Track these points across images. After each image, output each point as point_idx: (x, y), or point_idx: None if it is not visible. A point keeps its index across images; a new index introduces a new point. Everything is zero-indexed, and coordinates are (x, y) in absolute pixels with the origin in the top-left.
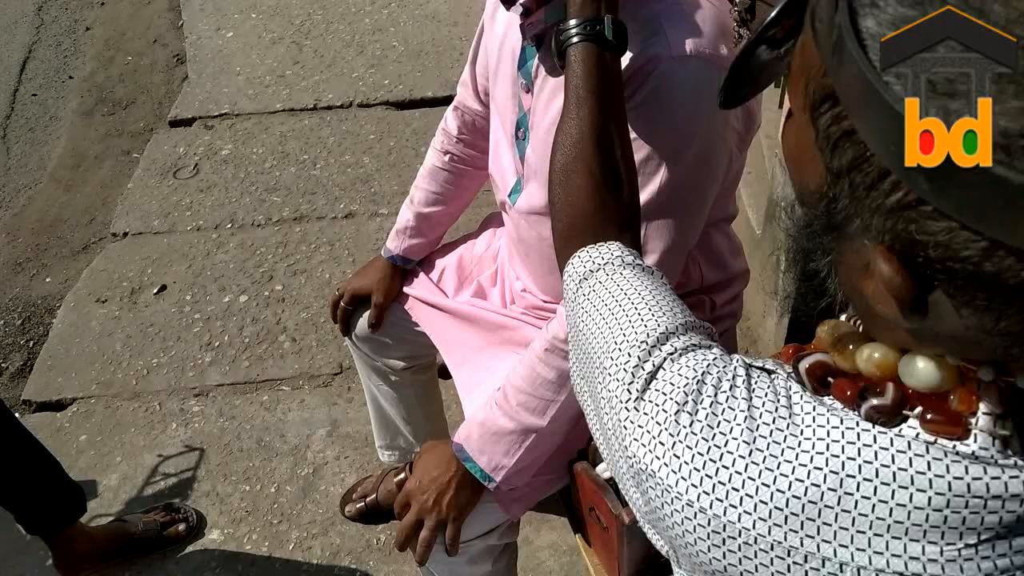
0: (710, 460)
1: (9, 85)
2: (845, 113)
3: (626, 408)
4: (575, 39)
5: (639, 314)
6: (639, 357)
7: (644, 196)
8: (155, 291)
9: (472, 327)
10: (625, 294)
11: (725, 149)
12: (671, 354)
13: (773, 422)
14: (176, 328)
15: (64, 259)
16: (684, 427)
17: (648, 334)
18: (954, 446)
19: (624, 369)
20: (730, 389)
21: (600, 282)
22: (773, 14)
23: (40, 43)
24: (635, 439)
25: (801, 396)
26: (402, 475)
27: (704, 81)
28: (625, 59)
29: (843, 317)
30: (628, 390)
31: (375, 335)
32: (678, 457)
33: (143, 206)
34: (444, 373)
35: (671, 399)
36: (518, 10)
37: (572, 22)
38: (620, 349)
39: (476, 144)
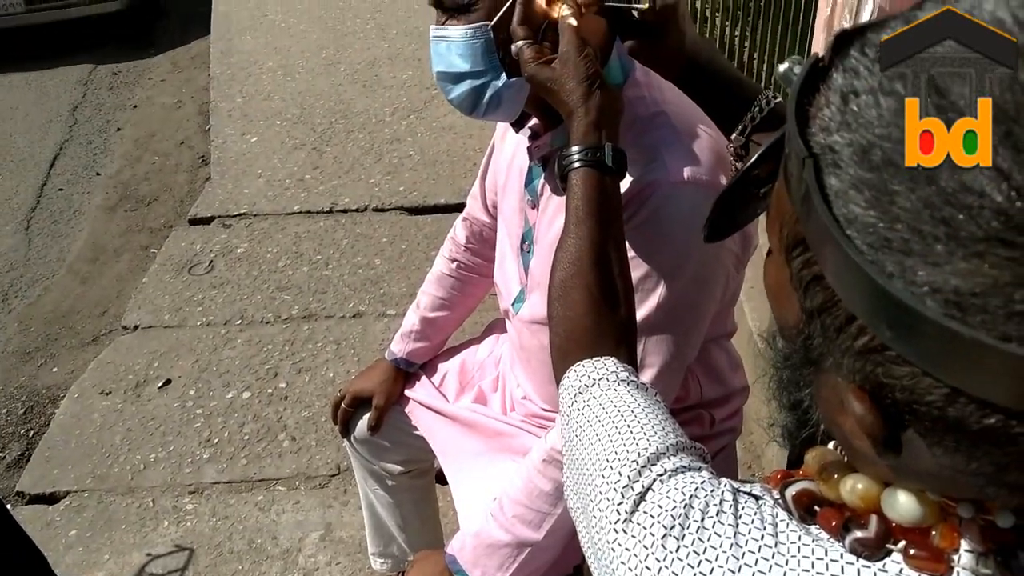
0: None
1: (37, 180)
2: (815, 259)
3: (614, 529)
4: (577, 164)
5: (631, 432)
6: (629, 477)
7: (642, 313)
8: (159, 385)
9: (471, 433)
10: (619, 411)
11: (722, 270)
12: (661, 475)
13: (759, 550)
14: (177, 423)
15: (73, 350)
16: (671, 552)
17: (639, 453)
18: None
19: (614, 488)
20: (717, 515)
21: (595, 397)
22: (754, 157)
23: (72, 141)
24: (622, 562)
25: (787, 524)
26: None
27: (700, 205)
28: (627, 182)
29: (831, 445)
30: (617, 510)
31: (374, 438)
32: None
33: (156, 300)
34: (441, 479)
35: (659, 522)
36: (526, 133)
37: (575, 148)
38: (612, 467)
39: (483, 253)
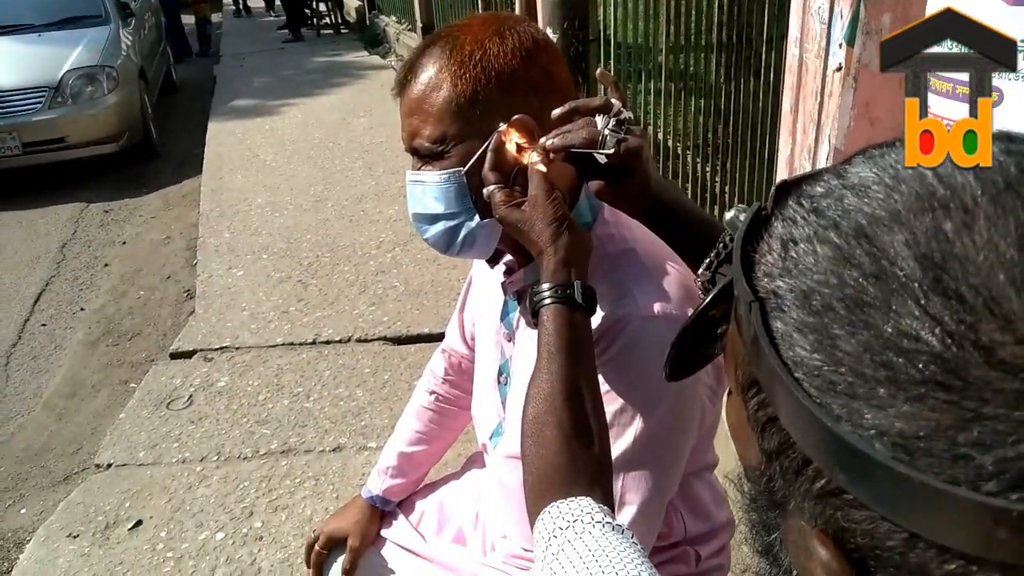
0: None
1: (21, 316)
2: (768, 400)
3: None
4: (547, 301)
5: None
6: None
7: (618, 449)
8: (130, 526)
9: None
10: (593, 556)
11: (697, 402)
12: None
13: None
14: (145, 568)
15: (43, 490)
16: None
17: None
18: None
19: None
20: None
21: (569, 541)
22: (708, 298)
23: (58, 277)
24: None
25: None
26: None
27: (671, 339)
28: (598, 317)
29: None
30: None
31: None
32: None
33: (131, 437)
34: None
35: None
36: (501, 268)
37: (545, 286)
38: None
39: (461, 385)
